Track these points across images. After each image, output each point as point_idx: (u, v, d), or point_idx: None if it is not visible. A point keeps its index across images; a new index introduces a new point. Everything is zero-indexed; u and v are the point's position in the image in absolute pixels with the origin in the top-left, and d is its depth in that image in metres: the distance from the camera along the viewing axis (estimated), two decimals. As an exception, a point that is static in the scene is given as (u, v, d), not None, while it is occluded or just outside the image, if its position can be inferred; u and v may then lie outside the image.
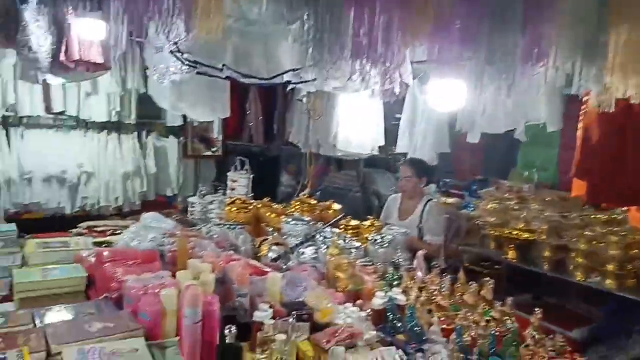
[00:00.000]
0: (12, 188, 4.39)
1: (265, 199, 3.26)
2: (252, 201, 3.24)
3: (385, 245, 2.67)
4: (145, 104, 4.76)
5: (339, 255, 2.34)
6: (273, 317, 1.75)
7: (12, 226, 2.88)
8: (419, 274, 2.36)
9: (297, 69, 2.44)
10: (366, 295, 2.17)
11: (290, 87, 2.84)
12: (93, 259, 2.20)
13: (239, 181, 3.27)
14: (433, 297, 2.09)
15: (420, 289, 2.15)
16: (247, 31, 2.41)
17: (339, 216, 3.11)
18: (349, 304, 2.01)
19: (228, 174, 3.34)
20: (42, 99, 4.48)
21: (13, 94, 4.34)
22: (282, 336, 1.51)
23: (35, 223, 4.44)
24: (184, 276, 1.96)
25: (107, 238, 2.71)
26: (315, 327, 1.80)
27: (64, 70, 2.73)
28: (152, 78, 3.11)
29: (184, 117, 5.11)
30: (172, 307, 1.75)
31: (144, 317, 1.71)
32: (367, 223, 3.02)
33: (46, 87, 4.46)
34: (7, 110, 4.40)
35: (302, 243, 2.67)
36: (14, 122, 4.50)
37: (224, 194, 3.45)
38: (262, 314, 1.65)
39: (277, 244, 2.68)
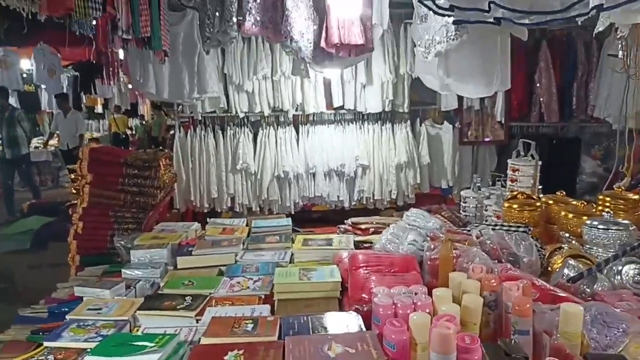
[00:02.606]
0: (300, 182, 4.79)
1: (559, 193, 2.51)
2: (540, 196, 2.54)
3: None
4: (418, 89, 4.54)
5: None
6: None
7: (288, 221, 3.00)
8: None
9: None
10: None
11: (599, 27, 1.99)
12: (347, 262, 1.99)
13: (522, 170, 2.60)
14: None
15: None
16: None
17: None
18: None
19: (508, 161, 2.71)
20: (324, 95, 4.71)
21: (300, 94, 4.70)
22: None
23: (319, 215, 4.75)
24: (441, 296, 1.54)
25: (368, 237, 2.50)
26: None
27: (327, 57, 2.65)
28: (418, 55, 2.75)
29: (460, 99, 4.63)
30: (423, 340, 1.35)
31: (389, 346, 1.37)
32: None
33: (327, 83, 4.70)
34: (296, 110, 4.80)
35: (616, 258, 1.88)
36: (302, 120, 4.88)
37: (504, 185, 2.83)
38: (551, 378, 1.07)
39: (575, 256, 1.96)
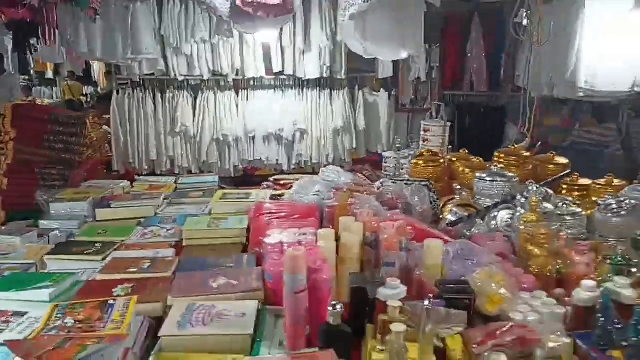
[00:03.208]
0: (239, 146, 4.85)
1: (462, 151, 2.69)
2: (445, 155, 2.72)
3: (622, 213, 1.85)
4: (357, 57, 4.60)
5: (537, 222, 1.68)
6: (421, 299, 1.34)
7: (215, 178, 3.10)
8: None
9: None
10: (573, 283, 1.51)
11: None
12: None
13: (432, 130, 2.78)
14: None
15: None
16: None
17: (563, 173, 2.35)
18: (541, 293, 1.42)
19: (422, 122, 2.88)
20: (263, 60, 4.75)
21: (239, 58, 4.71)
22: (399, 327, 1.07)
23: (261, 180, 4.83)
24: (324, 235, 1.69)
25: (285, 191, 2.62)
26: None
27: (247, 18, 2.68)
28: (339, 19, 2.84)
29: (395, 67, 4.77)
30: (297, 271, 1.49)
31: (268, 278, 1.51)
32: (602, 181, 2.18)
33: (267, 49, 4.73)
34: (236, 75, 4.82)
35: (496, 205, 2.07)
36: (243, 85, 4.91)
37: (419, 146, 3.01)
38: (388, 292, 1.23)
39: (464, 205, 2.15)
